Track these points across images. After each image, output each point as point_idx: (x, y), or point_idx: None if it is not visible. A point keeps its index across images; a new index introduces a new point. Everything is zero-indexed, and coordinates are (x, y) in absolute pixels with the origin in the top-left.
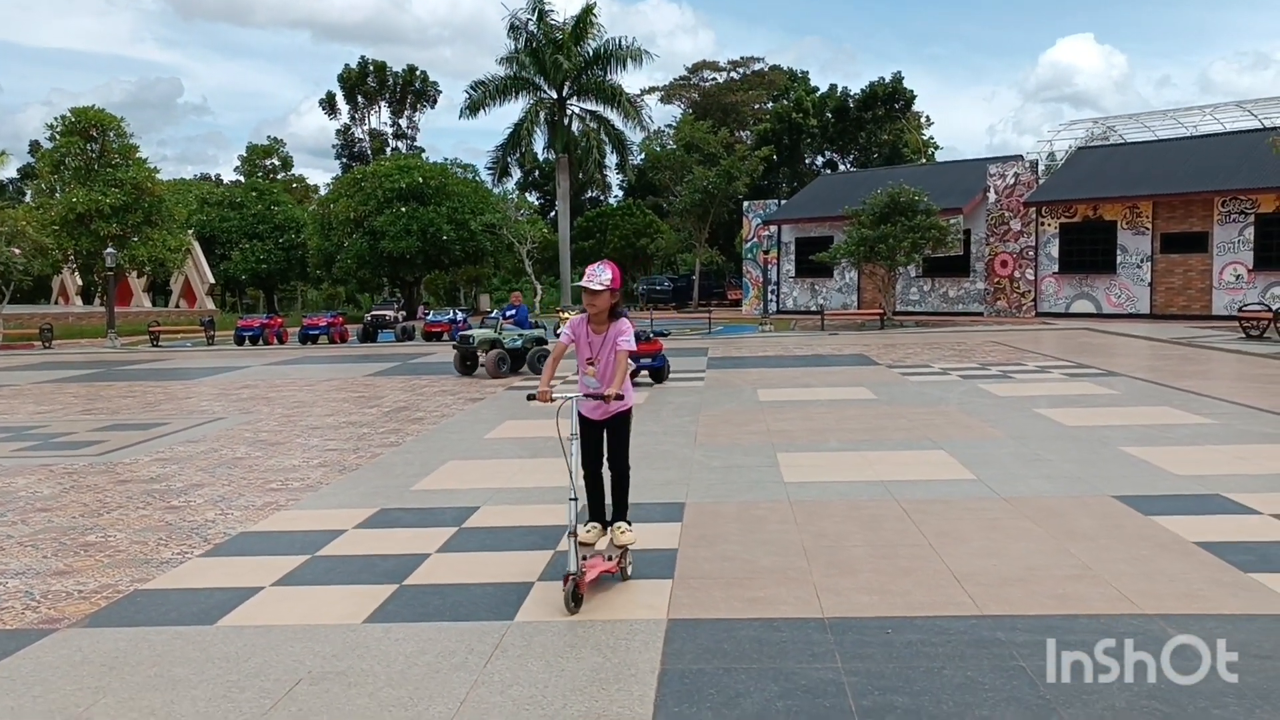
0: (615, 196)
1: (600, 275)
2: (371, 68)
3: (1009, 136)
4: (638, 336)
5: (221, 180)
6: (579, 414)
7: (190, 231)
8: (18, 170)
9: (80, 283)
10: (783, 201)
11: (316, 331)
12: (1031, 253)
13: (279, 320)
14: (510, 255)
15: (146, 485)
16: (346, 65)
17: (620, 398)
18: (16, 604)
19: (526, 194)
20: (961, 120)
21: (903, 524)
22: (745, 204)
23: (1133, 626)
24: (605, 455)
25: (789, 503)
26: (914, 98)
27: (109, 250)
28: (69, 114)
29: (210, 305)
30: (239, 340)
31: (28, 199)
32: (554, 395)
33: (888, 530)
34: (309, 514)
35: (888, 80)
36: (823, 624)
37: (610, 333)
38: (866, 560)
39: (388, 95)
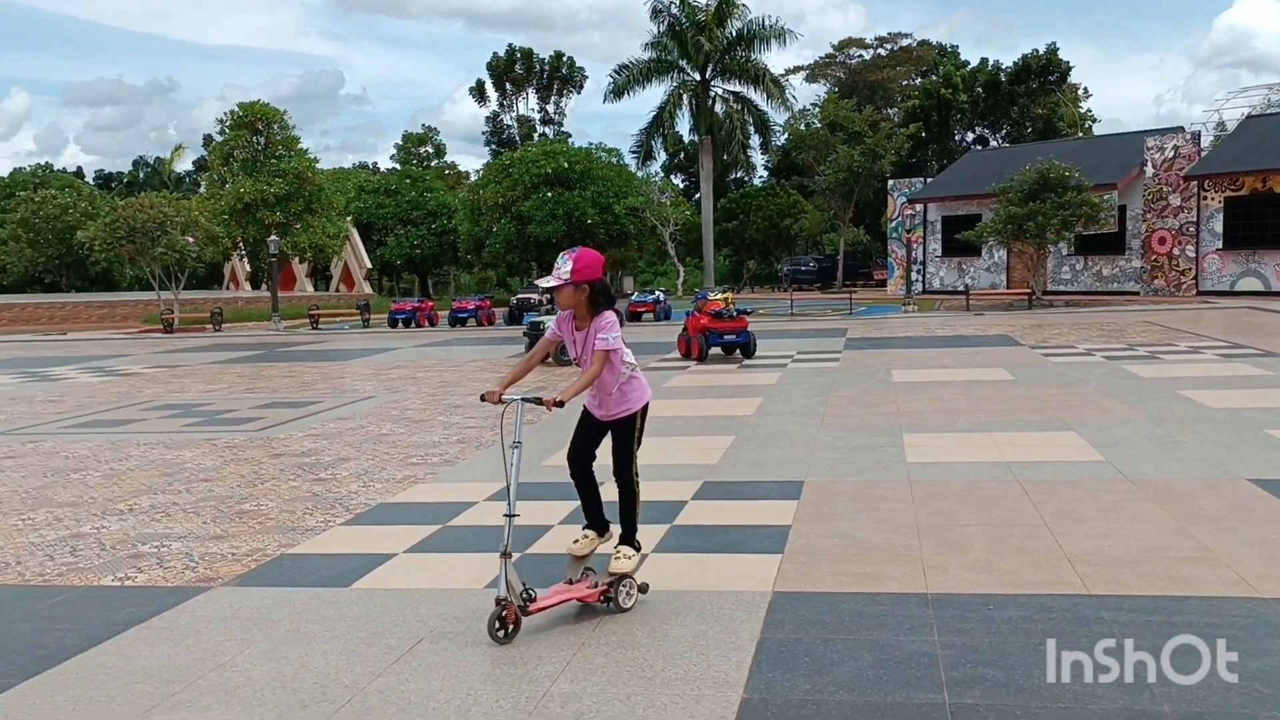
0: (760, 177)
1: (560, 269)
2: (519, 55)
3: (1177, 106)
4: (721, 315)
5: (378, 168)
6: (585, 409)
7: (348, 218)
8: (193, 163)
9: (249, 269)
10: (928, 180)
11: (465, 315)
12: (1192, 228)
13: (430, 304)
14: (654, 238)
15: (298, 459)
16: (495, 53)
17: (560, 404)
18: (178, 564)
19: (671, 177)
20: (1124, 91)
21: (1020, 504)
22: (890, 183)
23: (1245, 610)
24: (612, 463)
25: (909, 482)
26: (1069, 69)
27: (272, 238)
28: (237, 109)
29: (367, 289)
30: (392, 323)
31: (202, 190)
32: (505, 397)
33: (1004, 510)
34: (444, 487)
35: (1042, 52)
36: (925, 599)
37: (591, 329)
38: (978, 539)
39: (535, 82)
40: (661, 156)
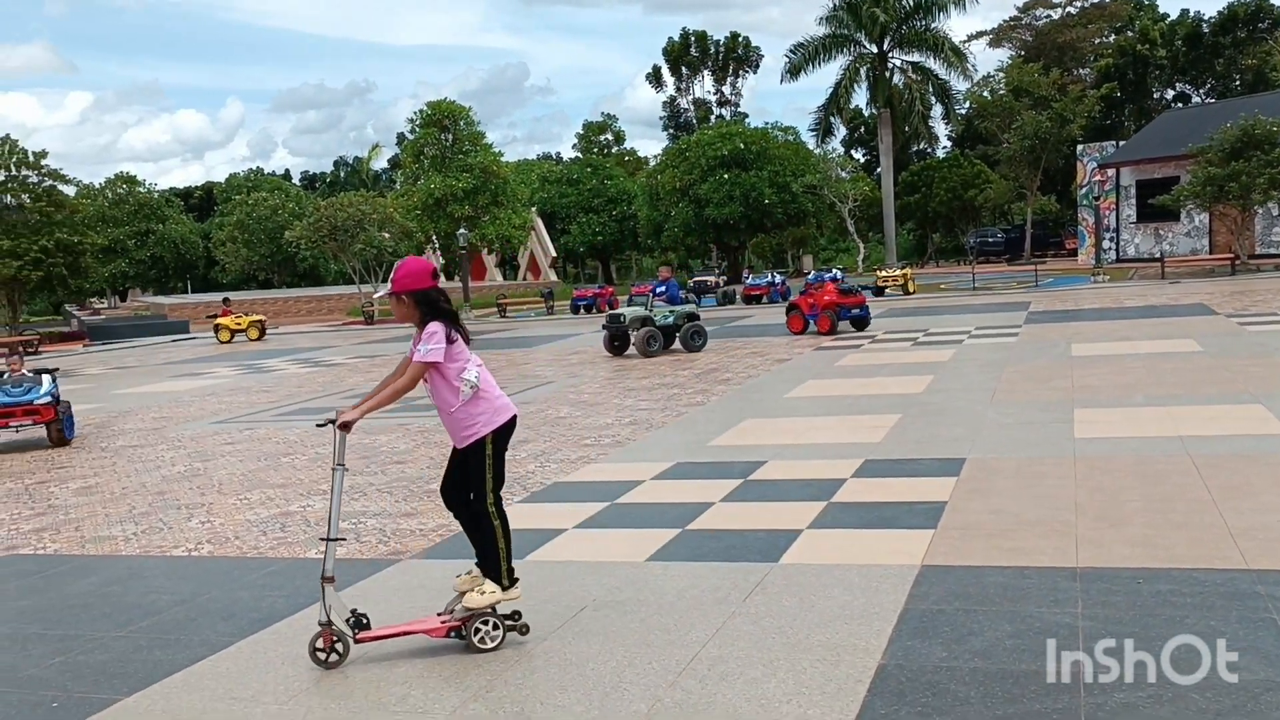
0: (944, 148)
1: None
2: (694, 38)
3: None
4: (845, 291)
5: (561, 158)
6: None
7: (533, 209)
8: (388, 160)
9: (442, 261)
10: (1121, 143)
11: (583, 302)
12: None
13: (610, 290)
14: (832, 215)
15: None
16: (670, 38)
17: (346, 427)
18: (373, 538)
19: (851, 151)
20: None
21: (1189, 479)
22: (1079, 148)
23: None
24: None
25: (1073, 458)
26: None
27: (461, 231)
28: (426, 108)
29: (553, 277)
30: (574, 309)
31: (396, 187)
32: (341, 419)
33: (1170, 485)
34: (614, 467)
35: None
36: (1074, 573)
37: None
38: (1138, 514)
39: (711, 64)
40: (841, 132)
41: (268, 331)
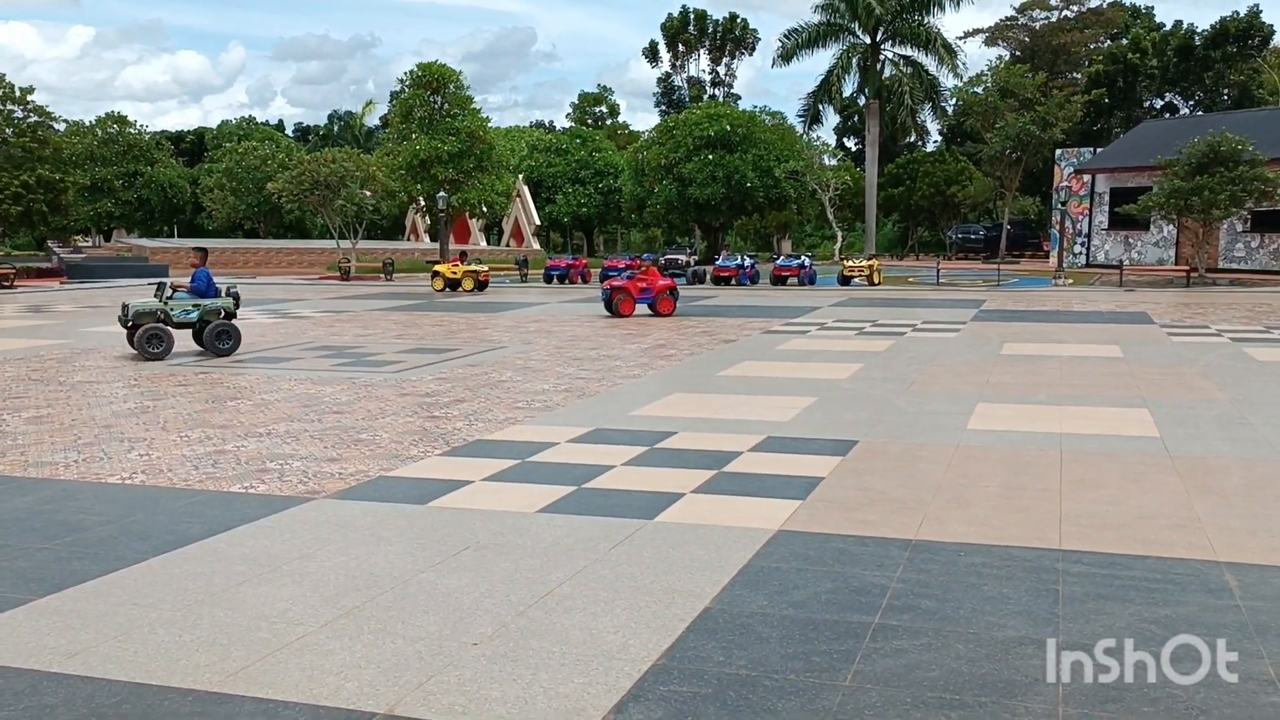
0: (935, 141)
1: None
2: (693, 16)
3: None
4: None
5: (554, 126)
6: None
7: (519, 176)
8: (380, 118)
9: (428, 222)
10: (1098, 150)
11: (612, 274)
12: None
13: (583, 261)
14: (814, 202)
15: (420, 399)
16: (669, 14)
17: None
18: (294, 479)
19: (844, 140)
20: None
21: (1048, 471)
22: (1058, 151)
23: (1188, 571)
24: None
25: (955, 447)
26: (1273, 33)
27: (441, 194)
28: (416, 68)
29: (535, 246)
30: (547, 279)
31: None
32: None
33: (1028, 475)
34: (536, 429)
35: (1243, 15)
36: (908, 544)
37: None
38: (988, 499)
39: (707, 43)
40: (833, 119)
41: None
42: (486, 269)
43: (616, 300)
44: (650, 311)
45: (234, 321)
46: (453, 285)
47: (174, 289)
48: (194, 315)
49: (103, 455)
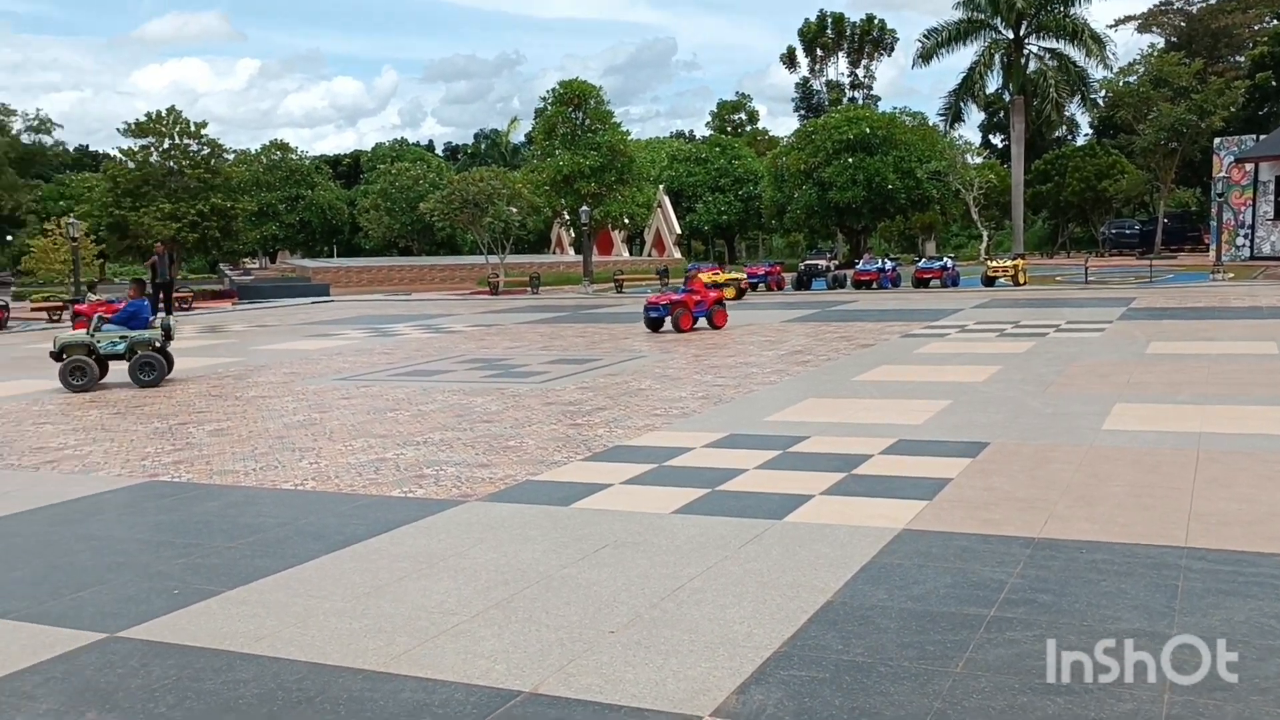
0: (1085, 135)
1: None
2: (830, 19)
3: None
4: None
5: (694, 136)
6: None
7: (660, 187)
8: (525, 135)
9: (571, 235)
10: (1261, 137)
11: (755, 280)
12: None
13: (718, 269)
14: (958, 202)
15: (564, 407)
16: (806, 19)
17: None
18: (448, 483)
19: (989, 137)
20: None
21: (1182, 471)
22: (1216, 140)
23: None
24: None
25: (1087, 448)
26: None
27: (584, 208)
28: (558, 86)
29: (676, 255)
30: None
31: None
32: None
33: (1160, 475)
34: (673, 434)
35: None
36: (1030, 542)
37: None
38: (1115, 498)
39: (845, 46)
40: (978, 117)
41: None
42: (744, 277)
43: (676, 314)
44: (708, 325)
45: (166, 351)
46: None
47: (102, 320)
48: (120, 347)
49: (277, 464)
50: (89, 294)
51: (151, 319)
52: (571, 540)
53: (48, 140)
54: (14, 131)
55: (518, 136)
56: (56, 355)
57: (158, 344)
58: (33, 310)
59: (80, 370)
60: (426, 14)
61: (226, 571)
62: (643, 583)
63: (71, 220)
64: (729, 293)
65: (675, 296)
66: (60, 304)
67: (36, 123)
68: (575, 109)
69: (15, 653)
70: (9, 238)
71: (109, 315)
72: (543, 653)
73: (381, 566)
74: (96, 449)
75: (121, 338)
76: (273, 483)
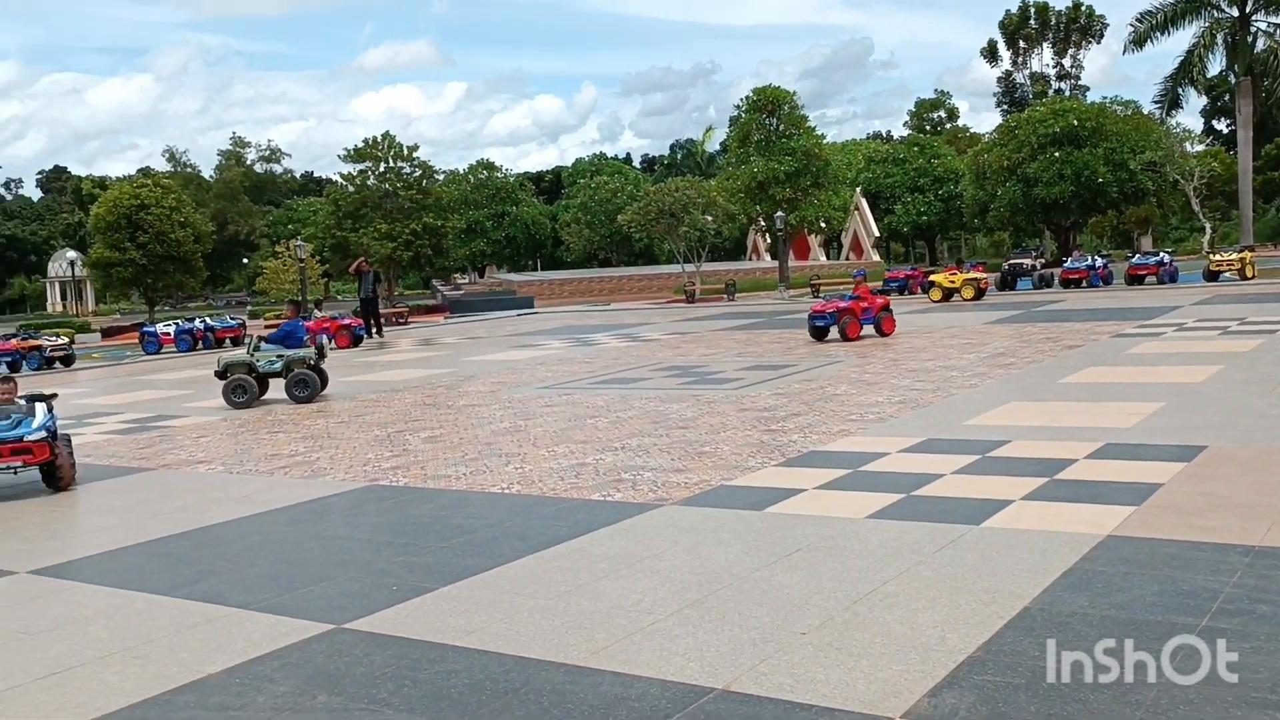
0: None
1: None
2: (1033, 10)
3: None
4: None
5: (891, 136)
6: None
7: (857, 189)
8: (719, 143)
9: (767, 241)
10: None
11: (897, 284)
12: None
13: (920, 271)
14: (1177, 193)
15: (758, 413)
16: (1007, 10)
17: None
18: (645, 487)
19: (1212, 122)
20: None
21: None
22: None
23: None
24: None
25: None
26: None
27: (779, 214)
28: (751, 93)
29: (875, 257)
30: (885, 291)
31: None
32: None
33: None
34: (868, 439)
35: None
36: (1248, 550)
37: None
38: None
39: (1050, 36)
40: (1198, 102)
41: None
42: (986, 276)
43: (843, 322)
44: (875, 333)
45: (320, 367)
46: (948, 295)
47: (260, 340)
48: (278, 365)
49: (486, 469)
50: (315, 311)
51: (307, 338)
52: (764, 543)
53: (277, 169)
54: (248, 162)
55: (713, 145)
56: (221, 374)
57: (311, 361)
58: (266, 327)
59: (241, 388)
60: (623, 30)
61: (439, 569)
62: (835, 586)
63: (299, 242)
64: (967, 293)
65: (841, 304)
66: None
67: (268, 152)
68: (769, 115)
69: (257, 640)
70: (244, 260)
71: (266, 335)
72: (735, 651)
73: (582, 566)
74: (323, 455)
75: (278, 356)
76: (482, 486)
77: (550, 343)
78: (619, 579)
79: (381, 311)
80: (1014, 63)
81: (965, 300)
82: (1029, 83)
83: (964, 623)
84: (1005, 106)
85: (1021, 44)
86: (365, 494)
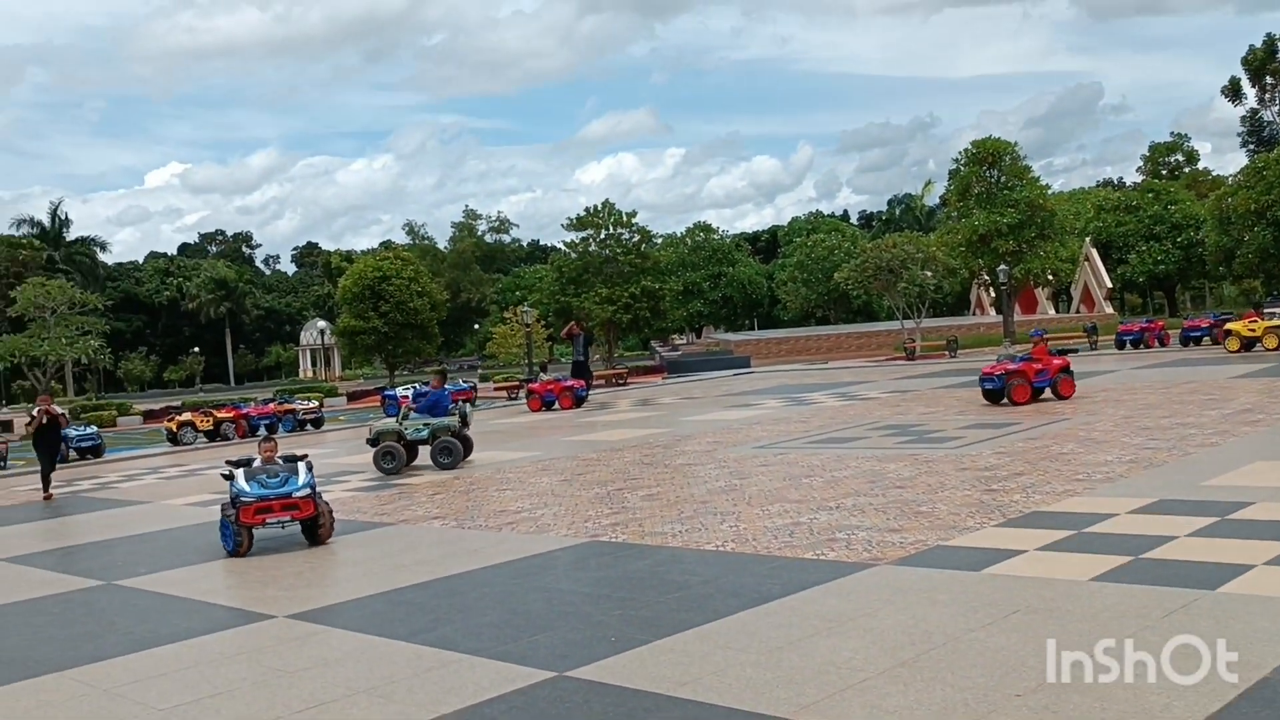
0: None
1: None
2: (1279, 44)
3: None
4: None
5: (1122, 183)
6: None
7: (1086, 240)
8: (939, 197)
9: (992, 295)
10: None
11: (1198, 334)
12: None
13: (1159, 324)
14: None
15: (978, 473)
16: (1251, 46)
17: None
18: (859, 547)
19: None
20: None
21: None
22: None
23: None
24: None
25: None
26: None
27: (1001, 267)
28: (971, 145)
29: (1108, 310)
30: (1119, 344)
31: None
32: None
33: None
34: (1095, 500)
35: None
36: None
37: None
38: None
39: None
40: None
41: None
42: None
43: (1011, 385)
44: (1052, 395)
45: (464, 434)
46: (1248, 344)
47: (409, 411)
48: (425, 433)
49: (701, 526)
50: (540, 374)
51: (451, 407)
52: (980, 605)
53: (506, 238)
54: (479, 232)
55: (932, 199)
56: (372, 441)
57: (455, 429)
58: (495, 389)
59: (390, 454)
60: (839, 88)
61: (655, 623)
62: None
63: (525, 308)
64: (1270, 342)
65: (1012, 366)
66: (516, 383)
67: (497, 223)
68: (989, 167)
69: (485, 685)
70: (475, 326)
71: (414, 405)
72: (946, 712)
73: (793, 623)
74: (547, 512)
75: (425, 425)
76: (697, 544)
77: (766, 402)
78: (830, 636)
79: (598, 373)
80: (1260, 100)
81: (1269, 350)
82: (1277, 120)
83: (1193, 691)
84: (1252, 146)
85: (1268, 79)
86: (586, 549)
